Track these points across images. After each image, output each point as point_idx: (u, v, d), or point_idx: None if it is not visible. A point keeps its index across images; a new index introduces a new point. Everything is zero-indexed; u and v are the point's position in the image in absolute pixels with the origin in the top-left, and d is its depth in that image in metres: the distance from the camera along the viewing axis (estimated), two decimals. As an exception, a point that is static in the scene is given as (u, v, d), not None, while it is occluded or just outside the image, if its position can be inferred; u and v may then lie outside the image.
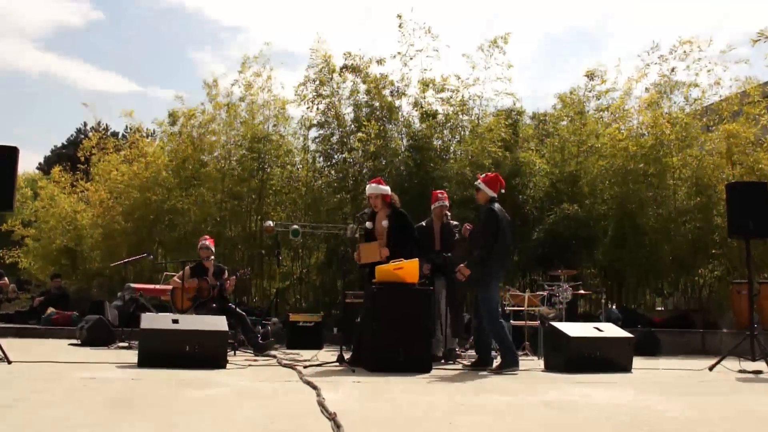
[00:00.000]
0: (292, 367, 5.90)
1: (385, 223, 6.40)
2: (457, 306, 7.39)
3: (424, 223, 7.36)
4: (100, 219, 14.46)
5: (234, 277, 8.10)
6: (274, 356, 7.22)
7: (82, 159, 15.44)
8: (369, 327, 5.82)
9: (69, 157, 24.18)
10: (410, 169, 13.07)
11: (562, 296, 8.98)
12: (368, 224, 6.56)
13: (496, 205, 6.09)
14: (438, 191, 7.51)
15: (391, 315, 5.76)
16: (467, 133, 13.60)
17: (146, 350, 5.60)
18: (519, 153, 13.15)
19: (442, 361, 6.83)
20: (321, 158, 14.36)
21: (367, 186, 6.66)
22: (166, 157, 14.38)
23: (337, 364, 6.12)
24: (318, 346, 9.24)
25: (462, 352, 7.71)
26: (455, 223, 7.46)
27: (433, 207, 7.35)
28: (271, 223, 12.48)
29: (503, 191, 6.25)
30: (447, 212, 7.17)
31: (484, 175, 6.28)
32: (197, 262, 8.29)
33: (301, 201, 14.21)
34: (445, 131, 13.97)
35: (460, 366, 6.46)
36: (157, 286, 10.23)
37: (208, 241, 8.31)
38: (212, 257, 8.24)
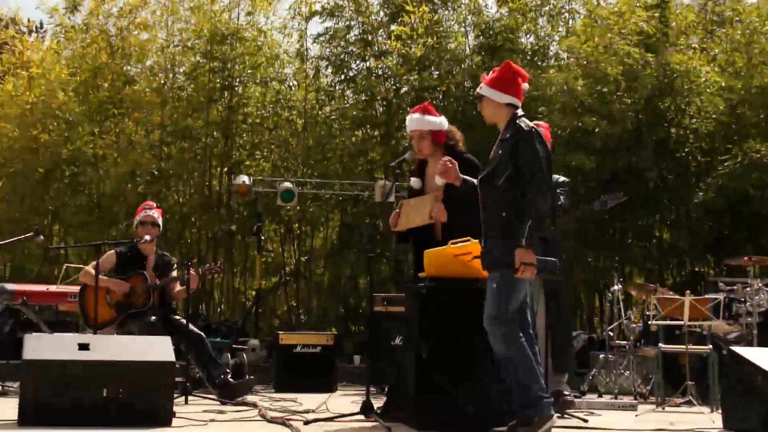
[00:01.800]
0: (284, 423, 5.90)
1: (439, 179, 6.37)
2: (565, 318, 7.56)
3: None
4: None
5: (193, 274, 7.99)
6: (254, 405, 7.24)
7: None
8: (414, 354, 5.85)
9: None
10: (482, 87, 12.96)
11: (752, 302, 8.76)
12: (414, 182, 6.60)
13: (525, 120, 5.59)
14: (532, 123, 7.40)
15: (452, 334, 5.80)
16: (578, 21, 13.52)
17: (32, 397, 5.49)
18: (670, 55, 12.85)
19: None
20: (329, 69, 14.33)
21: (408, 117, 6.68)
22: (64, 69, 14.35)
23: (362, 417, 6.12)
24: (327, 387, 9.18)
25: (574, 396, 7.67)
26: (563, 178, 7.53)
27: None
28: (245, 179, 12.44)
29: (527, 85, 5.74)
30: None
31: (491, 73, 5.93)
32: (129, 246, 8.35)
33: (296, 142, 14.25)
34: (540, 20, 13.89)
35: (573, 421, 6.52)
36: (53, 288, 10.24)
37: (154, 211, 8.39)
38: (155, 238, 8.39)
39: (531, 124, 5.56)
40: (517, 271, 5.26)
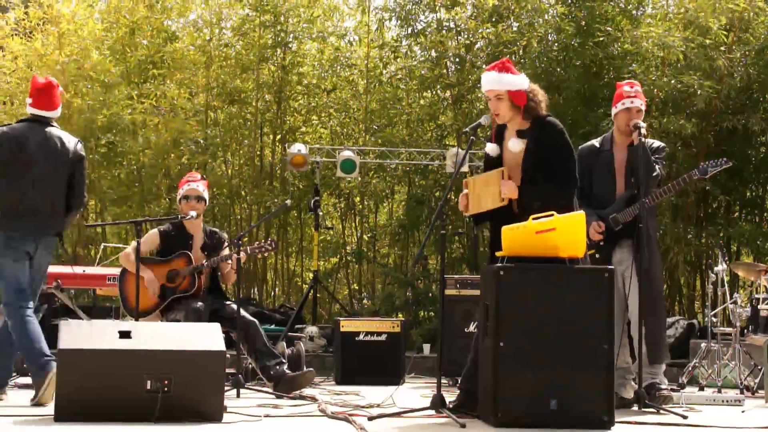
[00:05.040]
0: (346, 419, 5.95)
1: (515, 144, 6.40)
2: (660, 303, 7.43)
3: (597, 144, 7.53)
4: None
5: (242, 254, 8.08)
6: (313, 398, 7.33)
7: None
8: (491, 344, 5.80)
9: None
10: (566, 42, 12.91)
11: None
12: (490, 148, 6.56)
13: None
14: (625, 83, 7.51)
15: (533, 321, 5.77)
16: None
17: (69, 391, 5.54)
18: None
19: (635, 407, 6.86)
20: (394, 22, 14.20)
21: (483, 75, 6.56)
22: (98, 24, 14.43)
23: (432, 412, 6.13)
24: (394, 379, 9.20)
25: (672, 390, 7.60)
26: (657, 143, 7.52)
27: (614, 112, 7.41)
28: (301, 148, 12.47)
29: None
30: (640, 124, 7.07)
31: None
32: (173, 223, 8.45)
33: (357, 106, 14.27)
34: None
35: (671, 417, 6.40)
36: (89, 270, 10.41)
37: (199, 184, 8.41)
38: (201, 214, 8.44)
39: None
40: None
